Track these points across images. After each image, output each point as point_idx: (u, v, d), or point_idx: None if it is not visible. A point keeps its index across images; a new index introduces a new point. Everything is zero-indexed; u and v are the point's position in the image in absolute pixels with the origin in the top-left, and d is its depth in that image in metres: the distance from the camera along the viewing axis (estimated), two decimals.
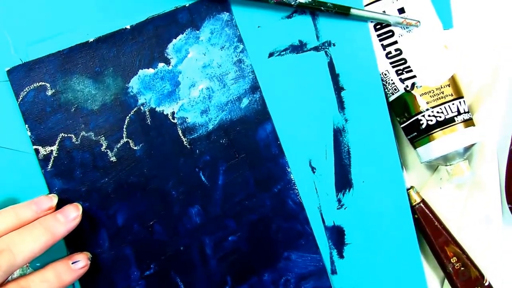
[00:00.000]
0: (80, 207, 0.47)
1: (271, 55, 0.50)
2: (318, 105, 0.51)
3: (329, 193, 0.51)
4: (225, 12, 0.50)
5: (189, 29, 0.50)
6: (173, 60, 0.50)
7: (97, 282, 0.48)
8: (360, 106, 0.51)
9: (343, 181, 0.51)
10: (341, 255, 0.51)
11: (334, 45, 0.51)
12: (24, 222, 0.44)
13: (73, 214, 0.46)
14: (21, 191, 0.49)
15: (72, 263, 0.46)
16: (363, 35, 0.50)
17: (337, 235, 0.51)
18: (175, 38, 0.50)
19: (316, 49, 0.51)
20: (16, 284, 0.42)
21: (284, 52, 0.50)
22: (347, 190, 0.51)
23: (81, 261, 0.47)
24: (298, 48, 0.51)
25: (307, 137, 0.51)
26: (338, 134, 0.51)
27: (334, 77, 0.51)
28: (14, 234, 0.42)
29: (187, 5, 0.50)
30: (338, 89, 0.51)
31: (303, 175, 0.51)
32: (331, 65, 0.51)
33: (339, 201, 0.51)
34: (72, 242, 0.48)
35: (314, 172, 0.51)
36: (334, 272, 0.51)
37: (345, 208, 0.51)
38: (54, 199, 0.47)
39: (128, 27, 0.49)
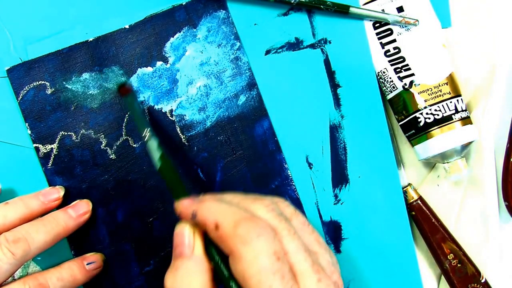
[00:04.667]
0: (90, 203, 0.49)
1: (267, 52, 0.51)
2: (314, 102, 0.51)
3: (326, 188, 0.51)
4: (221, 10, 0.50)
5: (186, 27, 0.50)
6: (171, 58, 0.50)
7: (98, 278, 0.49)
8: (356, 103, 0.51)
9: (339, 177, 0.51)
10: (338, 250, 0.51)
11: (330, 42, 0.50)
12: (33, 211, 0.46)
13: (83, 209, 0.48)
14: (22, 189, 0.50)
15: (87, 264, 0.48)
16: (359, 32, 0.50)
17: (334, 230, 0.51)
18: (173, 37, 0.50)
19: (312, 46, 0.51)
20: (35, 279, 0.44)
21: (280, 50, 0.51)
22: (344, 185, 0.51)
23: (95, 263, 0.48)
24: (295, 45, 0.51)
25: (303, 134, 0.51)
26: (334, 130, 0.51)
27: (330, 74, 0.51)
28: (28, 226, 0.44)
29: (184, 4, 0.50)
30: (334, 86, 0.51)
31: (300, 171, 0.51)
32: (327, 63, 0.51)
33: (335, 196, 0.51)
34: (73, 238, 0.49)
35: (311, 168, 0.51)
36: None
37: (341, 203, 0.51)
38: (61, 190, 0.49)
39: (127, 26, 0.50)
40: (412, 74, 0.49)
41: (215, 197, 0.39)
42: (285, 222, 0.36)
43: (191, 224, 0.38)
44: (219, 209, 0.36)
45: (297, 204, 0.51)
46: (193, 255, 0.37)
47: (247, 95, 0.50)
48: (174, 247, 0.38)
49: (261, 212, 0.36)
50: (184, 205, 0.39)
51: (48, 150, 0.49)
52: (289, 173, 0.51)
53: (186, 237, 0.37)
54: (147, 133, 0.44)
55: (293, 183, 0.51)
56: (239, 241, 0.33)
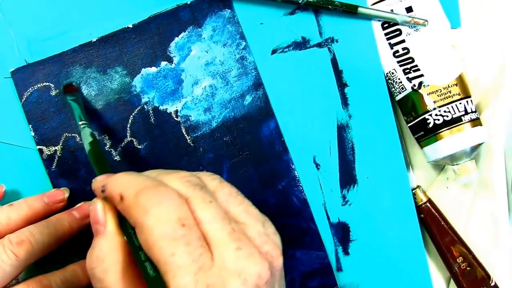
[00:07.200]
0: None
1: (274, 51, 0.50)
2: (321, 101, 0.50)
3: (333, 189, 0.50)
4: (227, 9, 0.49)
5: (191, 27, 0.49)
6: (176, 58, 0.49)
7: None
8: (364, 102, 0.50)
9: (347, 178, 0.51)
10: (346, 252, 0.51)
11: (337, 41, 0.50)
12: (37, 213, 0.46)
13: (88, 211, 0.47)
14: (26, 191, 0.50)
15: None
16: (366, 31, 0.49)
17: (342, 232, 0.51)
18: (177, 36, 0.49)
19: (319, 45, 0.50)
20: (38, 282, 0.44)
21: (287, 49, 0.50)
22: (352, 186, 0.50)
23: None
24: (301, 44, 0.50)
25: (311, 134, 0.50)
26: (342, 130, 0.50)
27: (338, 73, 0.50)
28: (32, 228, 0.44)
29: (188, 3, 0.49)
30: (342, 85, 0.50)
31: (307, 171, 0.50)
32: (334, 62, 0.50)
33: (343, 197, 0.51)
34: (78, 240, 0.49)
35: (318, 169, 0.50)
36: (339, 269, 0.51)
37: (349, 205, 0.51)
38: (66, 192, 0.48)
39: (130, 26, 0.49)
40: (421, 75, 0.48)
41: (132, 172, 0.37)
42: (200, 190, 0.35)
43: (102, 200, 0.36)
44: (125, 180, 0.35)
45: (305, 205, 0.50)
46: (106, 231, 0.35)
47: (253, 95, 0.50)
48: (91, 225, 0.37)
49: (173, 183, 0.35)
50: (97, 181, 0.37)
51: (52, 152, 0.49)
52: (296, 174, 0.50)
53: (98, 213, 0.36)
54: (83, 123, 0.45)
55: (300, 184, 0.50)
56: (140, 210, 0.32)
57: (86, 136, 0.44)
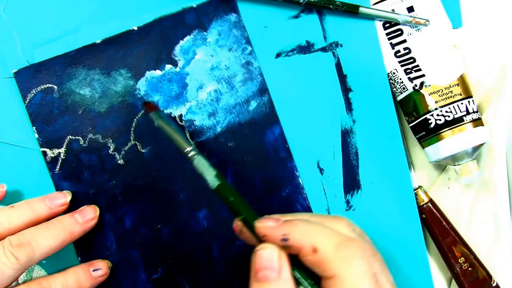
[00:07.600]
0: (98, 209, 0.48)
1: (278, 55, 0.50)
2: (325, 106, 0.51)
3: (337, 194, 0.50)
4: (232, 13, 0.50)
5: (196, 30, 0.50)
6: (181, 61, 0.50)
7: (105, 285, 0.48)
8: (368, 107, 0.51)
9: (351, 183, 0.51)
10: None
11: (341, 45, 0.50)
12: (38, 216, 0.45)
13: (90, 215, 0.47)
14: (29, 192, 0.49)
15: (93, 271, 0.46)
16: (371, 35, 0.50)
17: None
18: (182, 40, 0.50)
19: (323, 49, 0.51)
20: (38, 284, 0.43)
21: (291, 53, 0.50)
22: (356, 191, 0.51)
23: (101, 269, 0.47)
24: (306, 48, 0.50)
25: (315, 138, 0.50)
26: (346, 135, 0.51)
27: (342, 78, 0.51)
28: (33, 230, 0.43)
29: (194, 6, 0.50)
30: (346, 90, 0.51)
31: (311, 176, 0.50)
32: (338, 66, 0.51)
33: (347, 202, 0.50)
34: (80, 244, 0.48)
35: (322, 174, 0.50)
36: None
37: (353, 210, 0.51)
38: (68, 195, 0.47)
39: (135, 28, 0.49)
40: (423, 75, 0.49)
41: (295, 217, 0.39)
42: (362, 238, 0.39)
43: (278, 247, 0.37)
44: (314, 232, 0.36)
45: (308, 211, 0.50)
46: (281, 278, 0.36)
47: (258, 101, 0.50)
48: (255, 270, 0.37)
49: (341, 229, 0.38)
50: (269, 227, 0.38)
51: (55, 154, 0.48)
52: (300, 181, 0.50)
53: (273, 260, 0.37)
54: (191, 150, 0.43)
55: (304, 191, 0.50)
56: (342, 262, 0.34)
57: (204, 167, 0.42)
